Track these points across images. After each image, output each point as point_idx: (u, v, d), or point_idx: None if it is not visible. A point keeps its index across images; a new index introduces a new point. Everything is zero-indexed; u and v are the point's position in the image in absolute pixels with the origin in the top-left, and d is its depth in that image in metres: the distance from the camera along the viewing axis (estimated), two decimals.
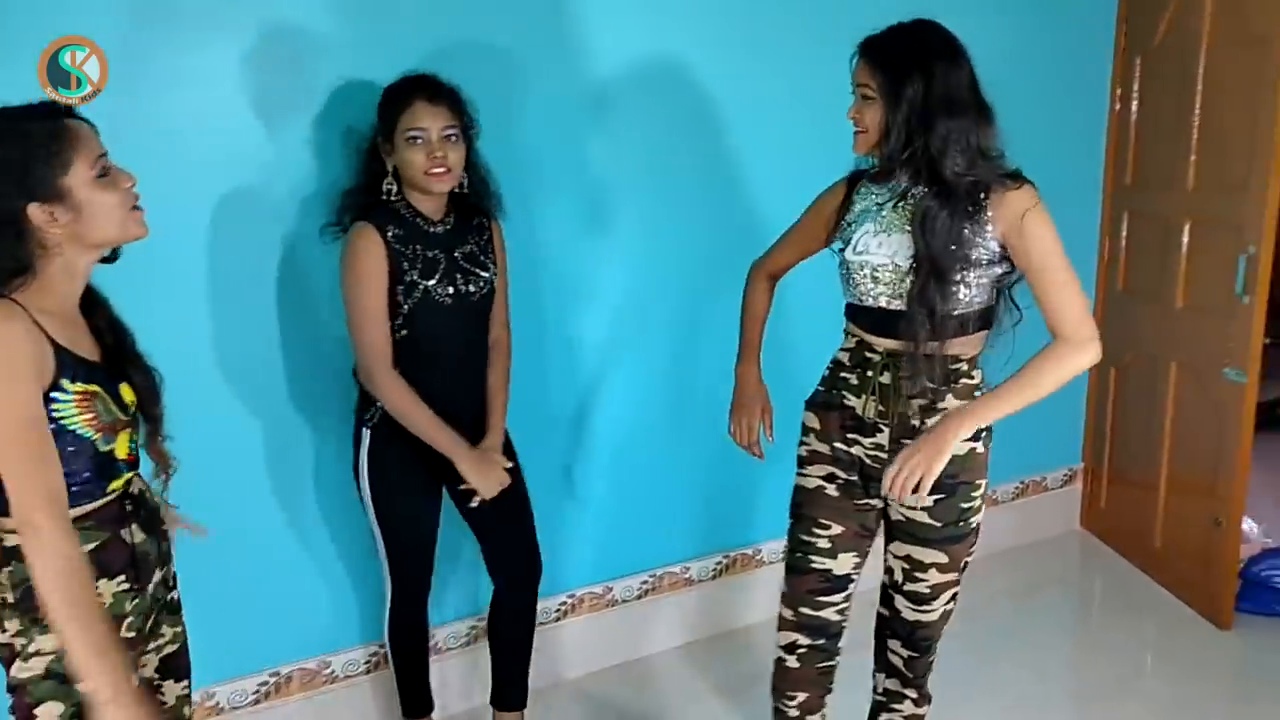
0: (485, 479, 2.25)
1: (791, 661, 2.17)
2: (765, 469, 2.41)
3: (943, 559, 2.08)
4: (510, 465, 2.31)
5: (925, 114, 1.83)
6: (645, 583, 3.09)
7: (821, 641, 2.14)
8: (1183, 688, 2.96)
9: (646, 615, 3.10)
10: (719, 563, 3.21)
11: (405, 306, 2.20)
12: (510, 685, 2.56)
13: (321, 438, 2.54)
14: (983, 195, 1.88)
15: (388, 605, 2.42)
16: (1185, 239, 3.29)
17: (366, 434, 2.29)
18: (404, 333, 2.22)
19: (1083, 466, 3.89)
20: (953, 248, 1.87)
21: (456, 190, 2.25)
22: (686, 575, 3.16)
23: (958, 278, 1.89)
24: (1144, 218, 3.52)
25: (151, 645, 1.77)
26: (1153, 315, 3.44)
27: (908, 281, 1.92)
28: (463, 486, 2.25)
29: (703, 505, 3.14)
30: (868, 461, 2.05)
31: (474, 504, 2.28)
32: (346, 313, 2.20)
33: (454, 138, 2.16)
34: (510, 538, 2.46)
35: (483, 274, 2.30)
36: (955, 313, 1.92)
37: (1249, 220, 2.98)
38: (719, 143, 2.91)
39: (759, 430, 2.30)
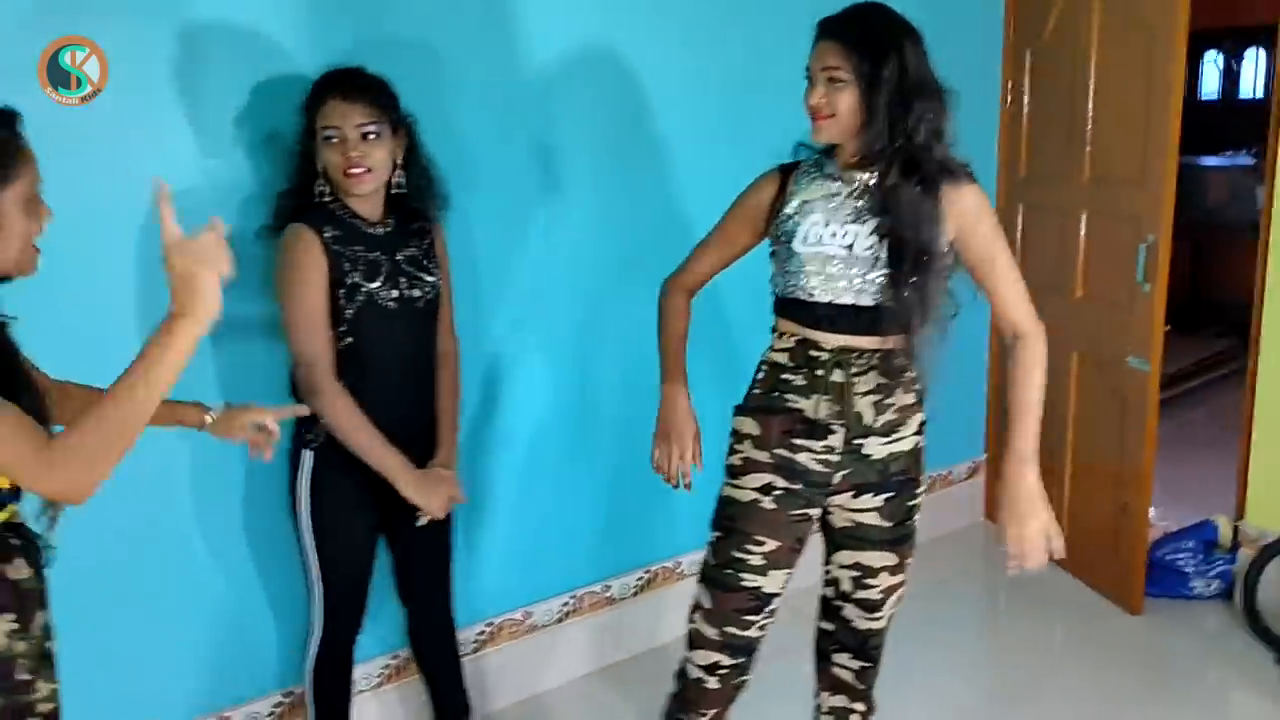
0: (431, 497, 2.12)
1: (712, 683, 2.04)
2: None
3: (892, 560, 2.03)
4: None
5: (902, 97, 1.77)
6: (565, 604, 2.94)
7: (742, 660, 2.04)
8: (1098, 673, 2.99)
9: (569, 638, 2.95)
10: (640, 579, 3.09)
11: (348, 312, 2.05)
12: (450, 700, 2.44)
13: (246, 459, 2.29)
14: (935, 188, 1.83)
15: (315, 644, 2.21)
16: (1082, 230, 3.34)
17: (308, 456, 2.10)
18: (348, 340, 2.06)
19: (987, 458, 3.93)
20: (930, 235, 1.81)
21: (394, 190, 2.11)
22: (608, 594, 3.03)
23: (941, 265, 1.84)
24: (1040, 210, 3.57)
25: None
26: (1052, 307, 3.40)
27: (875, 273, 1.84)
28: (418, 517, 2.14)
29: (619, 520, 3.02)
30: (814, 467, 1.95)
31: (421, 523, 2.15)
32: (284, 321, 2.03)
33: (373, 136, 2.01)
34: (424, 565, 2.33)
35: (427, 278, 2.16)
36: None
37: (1147, 209, 3.03)
38: (637, 141, 2.81)
39: (690, 460, 2.07)
